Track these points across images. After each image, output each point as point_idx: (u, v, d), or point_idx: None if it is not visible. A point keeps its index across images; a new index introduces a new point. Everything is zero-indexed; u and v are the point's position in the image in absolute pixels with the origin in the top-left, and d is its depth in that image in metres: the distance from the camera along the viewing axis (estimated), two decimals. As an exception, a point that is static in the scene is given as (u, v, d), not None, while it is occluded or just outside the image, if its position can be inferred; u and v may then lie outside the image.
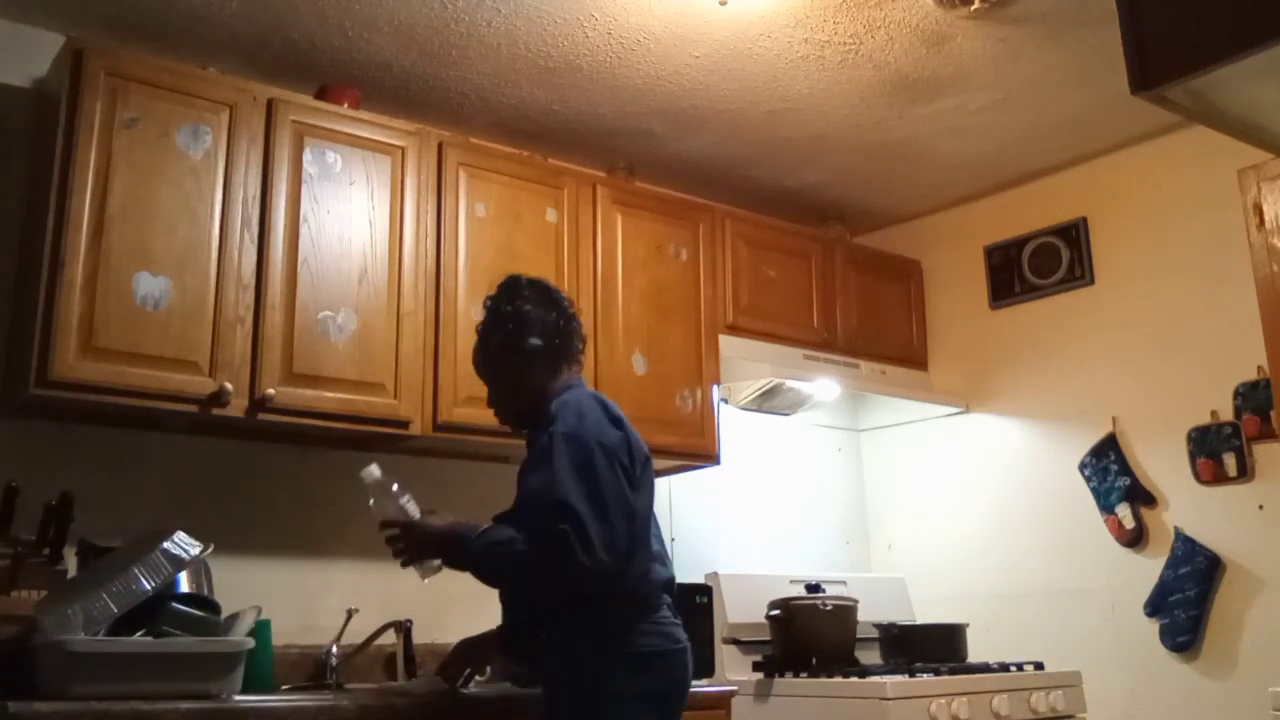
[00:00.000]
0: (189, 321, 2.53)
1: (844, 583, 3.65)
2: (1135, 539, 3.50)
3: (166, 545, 2.14)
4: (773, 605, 3.30)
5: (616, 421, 2.22)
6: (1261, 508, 3.26)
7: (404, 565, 2.24)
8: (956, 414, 4.03)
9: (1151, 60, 1.31)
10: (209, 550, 2.21)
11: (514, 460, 2.44)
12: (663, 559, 2.30)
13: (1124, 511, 3.52)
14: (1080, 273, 3.78)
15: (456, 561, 2.19)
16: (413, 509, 2.24)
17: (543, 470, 2.09)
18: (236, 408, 2.56)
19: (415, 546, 2.21)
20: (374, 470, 2.23)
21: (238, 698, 2.12)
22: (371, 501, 2.24)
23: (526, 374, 2.29)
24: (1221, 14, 1.26)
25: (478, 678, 2.52)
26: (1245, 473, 3.29)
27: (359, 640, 2.83)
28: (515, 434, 2.38)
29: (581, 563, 1.99)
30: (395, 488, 2.23)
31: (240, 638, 2.17)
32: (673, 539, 3.64)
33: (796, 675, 3.11)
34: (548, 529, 2.02)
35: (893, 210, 4.26)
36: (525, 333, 2.28)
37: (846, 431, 4.29)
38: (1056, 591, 3.65)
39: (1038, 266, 3.90)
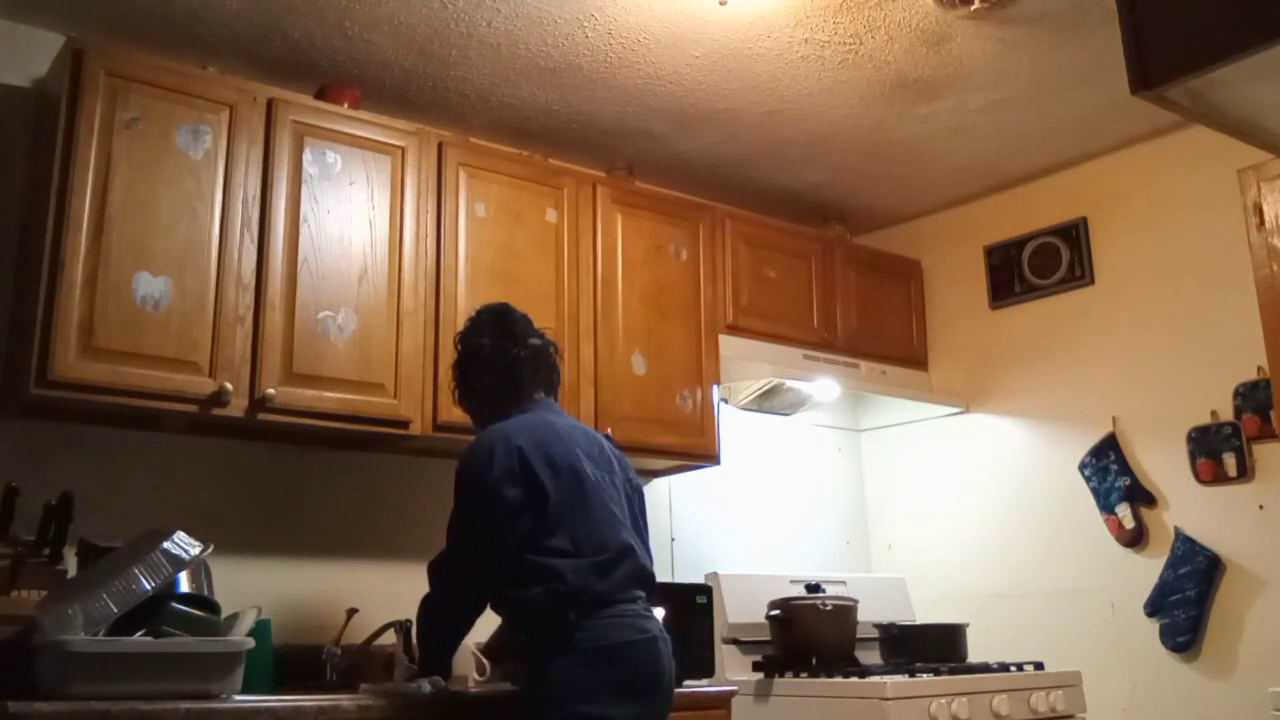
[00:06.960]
0: (189, 321, 2.53)
1: (844, 583, 3.65)
2: (1135, 539, 3.50)
3: (166, 545, 2.14)
4: (773, 605, 3.30)
5: (519, 450, 2.26)
6: (1261, 508, 3.26)
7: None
8: (956, 414, 4.03)
9: (1151, 60, 1.31)
10: (209, 550, 2.21)
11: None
12: (635, 553, 2.31)
13: (1124, 511, 3.52)
14: (1080, 273, 3.78)
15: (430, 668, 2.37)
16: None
17: None
18: (236, 408, 2.56)
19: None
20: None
21: (238, 698, 2.12)
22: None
23: (477, 408, 2.49)
24: (1221, 14, 1.26)
25: (476, 677, 2.53)
26: (1245, 473, 3.29)
27: (359, 640, 2.83)
28: None
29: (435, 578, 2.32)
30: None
31: (240, 638, 2.17)
32: (673, 539, 3.64)
33: (796, 675, 3.11)
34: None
35: (893, 210, 4.26)
36: (475, 370, 2.47)
37: (846, 431, 4.29)
38: (1056, 591, 3.65)
39: (1038, 266, 3.90)
